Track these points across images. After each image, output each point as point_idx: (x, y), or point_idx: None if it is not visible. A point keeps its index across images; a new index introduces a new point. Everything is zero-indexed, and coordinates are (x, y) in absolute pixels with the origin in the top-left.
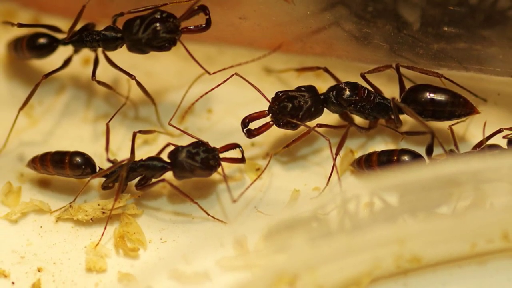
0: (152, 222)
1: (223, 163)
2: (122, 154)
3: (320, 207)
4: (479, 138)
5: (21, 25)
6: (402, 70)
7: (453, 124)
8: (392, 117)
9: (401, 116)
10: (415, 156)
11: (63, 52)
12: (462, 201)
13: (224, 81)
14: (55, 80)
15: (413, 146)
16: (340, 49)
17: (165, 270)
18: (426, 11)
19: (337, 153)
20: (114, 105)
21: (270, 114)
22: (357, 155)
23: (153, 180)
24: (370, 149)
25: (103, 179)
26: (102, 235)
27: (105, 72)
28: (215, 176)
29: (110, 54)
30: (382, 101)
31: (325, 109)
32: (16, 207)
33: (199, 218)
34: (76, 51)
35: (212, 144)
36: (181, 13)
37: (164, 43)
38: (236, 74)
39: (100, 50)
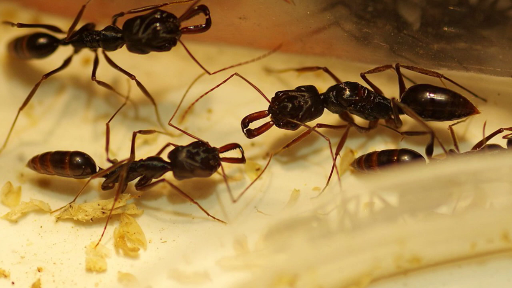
0: (152, 222)
1: (223, 163)
2: (122, 154)
3: (320, 207)
4: (479, 138)
5: (21, 25)
6: (402, 70)
7: (453, 124)
8: (392, 117)
9: (401, 116)
10: (415, 156)
11: (63, 52)
12: (462, 201)
13: (224, 81)
14: (55, 80)
15: (413, 146)
16: (340, 49)
17: (165, 270)
18: (426, 11)
19: (337, 153)
20: (114, 105)
21: (270, 114)
22: (357, 155)
23: (153, 180)
24: (370, 149)
25: (103, 179)
26: (102, 235)
27: (105, 72)
28: (215, 176)
29: (110, 54)
30: (382, 101)
31: (325, 109)
32: (16, 207)
33: (199, 218)
34: (76, 51)
35: (212, 144)
36: (181, 13)
37: (164, 43)
38: (236, 74)
39: (100, 50)
